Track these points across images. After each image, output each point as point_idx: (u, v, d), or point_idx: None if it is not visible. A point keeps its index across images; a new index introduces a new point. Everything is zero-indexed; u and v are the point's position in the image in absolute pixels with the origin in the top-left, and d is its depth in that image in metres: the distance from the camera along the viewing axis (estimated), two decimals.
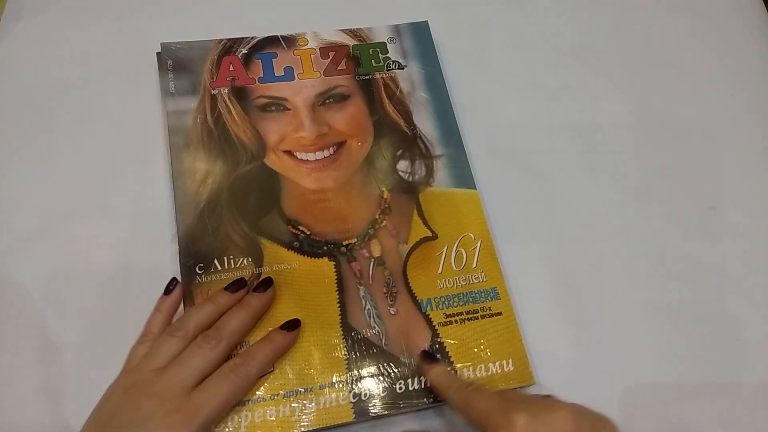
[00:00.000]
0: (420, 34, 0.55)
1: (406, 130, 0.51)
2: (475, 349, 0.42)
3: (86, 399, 0.36)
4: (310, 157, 0.48)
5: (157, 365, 0.37)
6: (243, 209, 0.46)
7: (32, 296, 0.44)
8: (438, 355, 0.42)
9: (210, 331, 0.39)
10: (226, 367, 0.38)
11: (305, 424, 0.39)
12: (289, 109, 0.50)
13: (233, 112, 0.49)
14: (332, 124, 0.49)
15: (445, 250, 0.46)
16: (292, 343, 0.41)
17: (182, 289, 0.42)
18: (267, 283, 0.42)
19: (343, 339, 0.42)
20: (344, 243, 0.45)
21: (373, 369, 0.41)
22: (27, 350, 0.42)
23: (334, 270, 0.44)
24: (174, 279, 0.42)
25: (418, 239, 0.46)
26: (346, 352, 0.42)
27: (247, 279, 0.42)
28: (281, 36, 0.53)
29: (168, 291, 0.41)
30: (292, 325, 0.41)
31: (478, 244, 0.46)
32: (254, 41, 0.52)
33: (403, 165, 0.49)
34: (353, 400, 0.40)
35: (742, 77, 0.59)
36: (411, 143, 0.50)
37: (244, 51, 0.51)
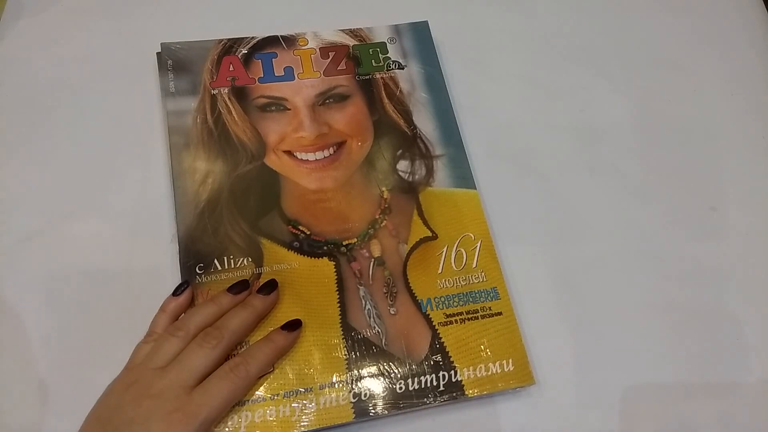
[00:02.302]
0: (420, 34, 0.55)
1: (406, 130, 0.51)
2: (476, 349, 0.42)
3: (86, 399, 0.36)
4: (310, 157, 0.48)
5: (158, 364, 0.37)
6: (243, 209, 0.46)
7: (32, 296, 0.44)
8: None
9: (210, 330, 0.39)
10: (227, 366, 0.38)
11: (305, 424, 0.39)
12: (289, 109, 0.50)
13: (233, 112, 0.49)
14: (332, 124, 0.49)
15: (445, 250, 0.46)
16: (292, 344, 0.41)
17: (191, 292, 0.42)
18: (271, 286, 0.42)
19: (343, 339, 0.42)
20: (344, 243, 0.45)
21: (373, 369, 0.41)
22: (26, 350, 0.42)
23: (334, 270, 0.44)
24: (186, 282, 0.42)
25: (418, 239, 0.46)
26: (346, 352, 0.42)
27: (247, 279, 0.42)
28: (281, 36, 0.53)
29: (177, 293, 0.41)
30: (293, 326, 0.41)
31: (478, 244, 0.46)
32: (254, 41, 0.52)
33: (403, 165, 0.49)
34: (353, 400, 0.40)
35: (742, 77, 0.59)
36: (411, 143, 0.50)
37: (244, 51, 0.51)
